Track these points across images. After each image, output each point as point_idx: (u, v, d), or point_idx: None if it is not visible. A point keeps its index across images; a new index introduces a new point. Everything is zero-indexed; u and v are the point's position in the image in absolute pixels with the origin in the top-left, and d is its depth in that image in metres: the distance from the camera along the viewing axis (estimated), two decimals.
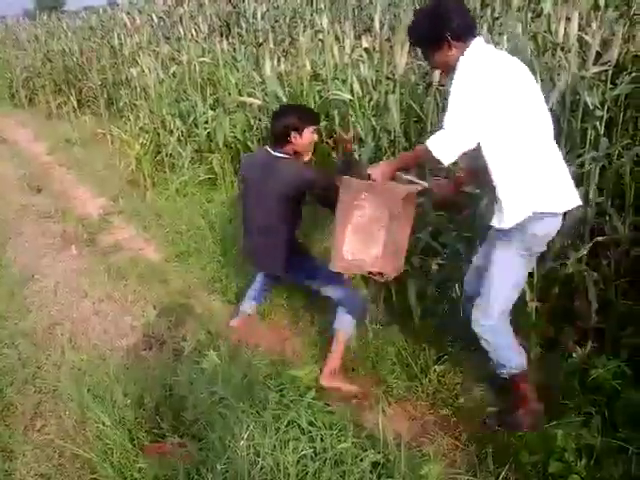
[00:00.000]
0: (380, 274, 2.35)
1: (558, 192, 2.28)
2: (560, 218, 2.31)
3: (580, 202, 2.34)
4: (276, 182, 2.88)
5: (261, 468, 2.10)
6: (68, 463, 2.45)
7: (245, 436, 2.18)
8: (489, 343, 2.41)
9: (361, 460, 2.15)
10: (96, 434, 2.46)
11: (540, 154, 2.25)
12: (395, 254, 2.39)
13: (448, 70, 2.33)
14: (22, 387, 2.95)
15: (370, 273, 2.37)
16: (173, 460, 2.22)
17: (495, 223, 2.31)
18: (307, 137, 2.93)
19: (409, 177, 2.54)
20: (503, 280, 2.37)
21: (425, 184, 2.54)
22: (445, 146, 2.17)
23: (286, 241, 2.97)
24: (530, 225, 2.25)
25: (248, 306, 3.39)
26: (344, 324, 2.93)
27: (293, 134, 2.89)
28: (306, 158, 3.03)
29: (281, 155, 2.93)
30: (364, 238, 2.33)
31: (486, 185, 2.36)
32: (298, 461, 2.12)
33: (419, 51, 2.47)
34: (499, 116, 2.16)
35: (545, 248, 2.43)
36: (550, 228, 2.31)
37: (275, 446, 2.18)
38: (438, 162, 2.20)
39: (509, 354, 2.44)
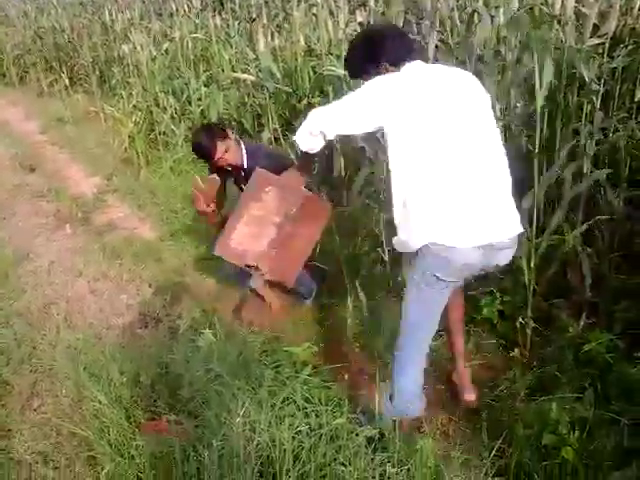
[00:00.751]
0: (256, 267, 2.28)
1: (465, 225, 1.93)
2: (470, 252, 1.93)
3: (493, 239, 1.95)
4: None
5: (257, 444, 2.12)
6: (65, 441, 2.46)
7: (241, 413, 2.19)
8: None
9: (356, 435, 2.17)
10: (93, 412, 2.46)
11: (453, 184, 1.91)
12: (283, 257, 2.27)
13: None
14: (18, 367, 2.95)
15: (248, 266, 2.30)
16: (169, 437, 2.23)
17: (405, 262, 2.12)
18: None
19: None
20: (404, 304, 2.14)
21: None
22: (305, 127, 2.06)
23: None
24: (431, 254, 1.95)
25: None
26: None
27: None
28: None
29: None
30: (255, 232, 2.28)
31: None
32: (294, 437, 2.13)
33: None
34: (405, 133, 1.92)
35: (460, 280, 2.13)
36: (457, 260, 1.94)
37: (271, 422, 2.19)
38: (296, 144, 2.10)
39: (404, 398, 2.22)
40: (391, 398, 2.24)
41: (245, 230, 2.28)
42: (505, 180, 2.02)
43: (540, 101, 2.48)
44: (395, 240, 2.11)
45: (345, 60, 2.30)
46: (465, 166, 1.93)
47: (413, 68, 2.07)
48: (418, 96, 1.94)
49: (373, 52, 2.12)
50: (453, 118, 1.94)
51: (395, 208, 2.02)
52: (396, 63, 2.08)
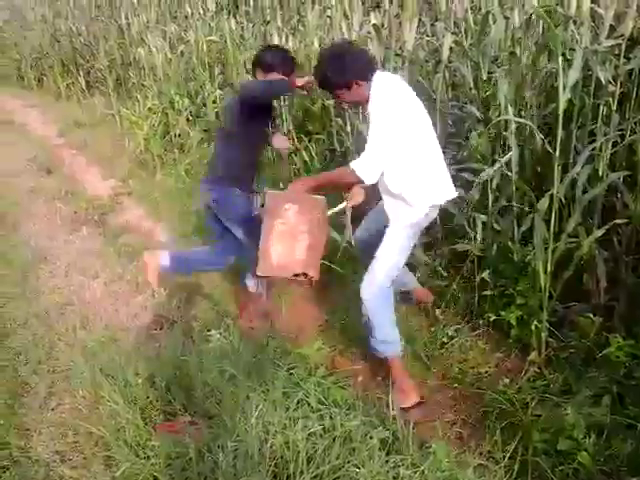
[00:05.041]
0: (305, 275, 2.57)
1: (440, 187, 2.60)
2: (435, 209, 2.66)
3: (455, 194, 2.66)
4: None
5: (271, 446, 2.13)
6: (83, 441, 2.48)
7: (255, 414, 2.20)
8: (369, 309, 2.57)
9: (370, 437, 2.17)
10: (109, 413, 2.49)
11: (427, 158, 2.53)
12: (316, 257, 2.60)
13: (359, 105, 2.66)
14: (36, 367, 2.99)
15: (295, 275, 2.58)
16: (184, 438, 2.24)
17: (400, 219, 2.57)
18: None
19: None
20: (391, 251, 2.59)
21: (343, 205, 2.80)
22: (369, 167, 2.40)
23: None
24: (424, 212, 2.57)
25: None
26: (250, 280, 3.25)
27: None
28: None
29: None
30: (288, 244, 2.56)
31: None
32: (307, 439, 2.14)
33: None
34: (403, 135, 2.42)
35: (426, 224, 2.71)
36: (433, 215, 2.68)
37: (285, 424, 2.20)
38: (361, 182, 2.43)
39: (387, 330, 2.60)
40: (372, 335, 2.60)
41: (280, 245, 2.56)
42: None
43: (562, 104, 2.47)
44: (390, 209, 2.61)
45: (316, 72, 2.56)
46: (433, 150, 2.56)
47: (389, 82, 2.51)
48: (409, 112, 2.47)
49: (344, 73, 2.46)
50: (424, 119, 2.54)
51: (401, 189, 2.53)
52: (364, 78, 2.48)
